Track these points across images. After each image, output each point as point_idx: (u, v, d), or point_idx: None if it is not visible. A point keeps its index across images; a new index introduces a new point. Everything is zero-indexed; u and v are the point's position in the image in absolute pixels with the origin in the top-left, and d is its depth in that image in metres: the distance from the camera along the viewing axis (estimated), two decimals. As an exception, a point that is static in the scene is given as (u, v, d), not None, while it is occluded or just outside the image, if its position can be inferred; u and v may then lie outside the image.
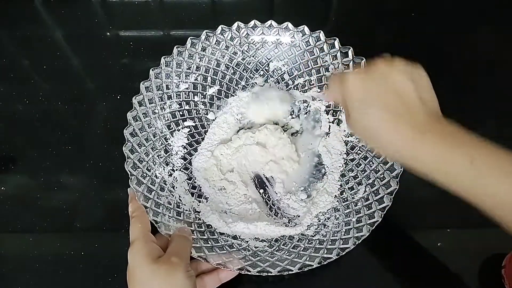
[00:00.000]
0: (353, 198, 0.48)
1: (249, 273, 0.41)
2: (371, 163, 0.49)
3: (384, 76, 0.35)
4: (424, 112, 0.34)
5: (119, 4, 0.70)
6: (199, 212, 0.48)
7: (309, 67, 0.56)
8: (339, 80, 0.38)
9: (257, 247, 0.45)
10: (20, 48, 0.64)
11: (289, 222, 0.48)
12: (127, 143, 0.46)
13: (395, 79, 0.35)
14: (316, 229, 0.47)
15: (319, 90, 0.55)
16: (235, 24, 0.55)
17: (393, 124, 0.34)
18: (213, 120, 0.55)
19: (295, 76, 0.57)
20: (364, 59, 0.52)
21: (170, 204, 0.46)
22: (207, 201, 0.50)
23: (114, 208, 0.50)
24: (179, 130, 0.53)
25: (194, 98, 0.55)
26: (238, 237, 0.47)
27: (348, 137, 0.53)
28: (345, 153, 0.52)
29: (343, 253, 0.42)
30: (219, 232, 0.47)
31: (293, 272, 0.41)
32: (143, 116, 0.49)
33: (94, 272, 0.47)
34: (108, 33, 0.66)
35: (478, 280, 0.46)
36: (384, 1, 0.70)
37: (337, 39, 0.53)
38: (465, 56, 0.63)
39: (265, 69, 0.57)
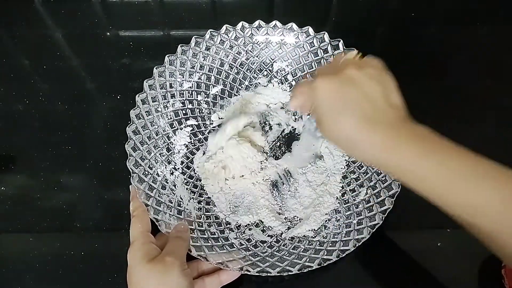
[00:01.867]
0: (354, 200, 0.51)
1: (248, 273, 0.44)
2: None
3: (353, 82, 0.37)
4: (395, 116, 0.36)
5: (119, 4, 0.73)
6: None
7: (313, 68, 0.59)
8: (308, 88, 0.39)
9: (258, 247, 0.48)
10: (20, 48, 0.67)
11: (290, 223, 0.51)
12: (129, 141, 0.49)
13: (365, 84, 0.36)
14: (316, 230, 0.49)
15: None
16: (240, 24, 0.58)
17: (367, 130, 0.35)
18: (217, 120, 0.58)
19: (299, 77, 0.60)
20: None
21: (171, 203, 0.49)
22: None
23: (114, 208, 0.53)
24: (182, 128, 0.56)
25: (197, 97, 0.58)
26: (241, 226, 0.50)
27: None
28: (347, 155, 0.55)
29: (343, 255, 0.44)
30: (221, 230, 0.50)
31: (293, 273, 0.43)
32: (146, 114, 0.52)
33: (94, 272, 0.50)
34: (108, 33, 0.69)
35: (478, 280, 0.49)
36: (384, 1, 0.73)
37: (341, 40, 0.56)
38: (465, 56, 0.66)
39: (268, 69, 0.60)
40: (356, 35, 0.64)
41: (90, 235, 0.52)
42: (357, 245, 0.45)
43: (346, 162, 0.54)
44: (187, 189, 0.52)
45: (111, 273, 0.49)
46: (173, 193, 0.51)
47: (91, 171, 0.56)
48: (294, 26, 0.58)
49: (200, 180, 0.54)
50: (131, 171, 0.47)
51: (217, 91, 0.59)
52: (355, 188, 0.51)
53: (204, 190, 0.53)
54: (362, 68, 0.37)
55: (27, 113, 0.61)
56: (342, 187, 0.53)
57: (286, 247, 0.48)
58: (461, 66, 0.65)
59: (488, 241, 0.33)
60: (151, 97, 0.53)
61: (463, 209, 0.33)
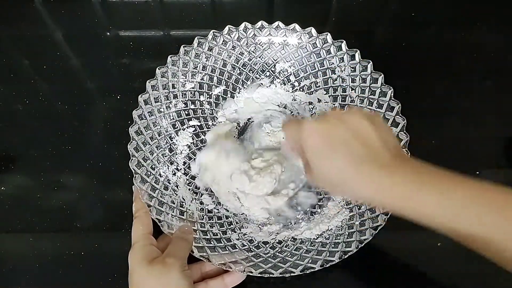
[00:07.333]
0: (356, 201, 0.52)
1: (251, 274, 0.45)
2: (376, 166, 0.53)
3: (344, 122, 0.36)
4: (389, 154, 0.35)
5: (119, 4, 0.74)
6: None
7: (315, 69, 0.60)
8: (295, 128, 0.38)
9: (260, 248, 0.49)
10: (20, 48, 0.69)
11: (292, 224, 0.52)
12: (132, 141, 0.50)
13: (356, 124, 0.36)
14: (318, 232, 0.50)
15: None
16: (242, 25, 0.59)
17: (359, 169, 0.34)
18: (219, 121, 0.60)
19: (301, 77, 0.61)
20: (371, 62, 0.56)
21: (174, 203, 0.51)
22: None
23: (114, 208, 0.55)
24: (184, 129, 0.57)
25: (199, 97, 0.59)
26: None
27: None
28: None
29: (346, 256, 0.45)
30: (223, 231, 0.51)
31: (295, 274, 0.45)
32: (149, 115, 0.53)
33: (94, 272, 0.51)
34: (108, 33, 0.71)
35: (478, 280, 0.50)
36: (384, 1, 0.75)
37: (344, 41, 0.58)
38: (465, 56, 0.67)
39: (271, 70, 0.62)
40: (356, 35, 0.66)
41: (90, 235, 0.53)
42: (359, 247, 0.46)
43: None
44: (189, 189, 0.54)
45: (111, 273, 0.51)
46: (176, 193, 0.52)
47: (91, 171, 0.57)
48: (297, 27, 0.59)
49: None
50: (133, 171, 0.49)
51: (219, 92, 0.60)
52: (358, 190, 0.53)
53: (207, 191, 0.55)
54: (352, 111, 0.37)
55: (27, 113, 0.62)
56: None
57: (288, 248, 0.49)
58: (461, 66, 0.66)
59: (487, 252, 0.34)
60: (154, 98, 0.54)
61: (468, 237, 0.33)
